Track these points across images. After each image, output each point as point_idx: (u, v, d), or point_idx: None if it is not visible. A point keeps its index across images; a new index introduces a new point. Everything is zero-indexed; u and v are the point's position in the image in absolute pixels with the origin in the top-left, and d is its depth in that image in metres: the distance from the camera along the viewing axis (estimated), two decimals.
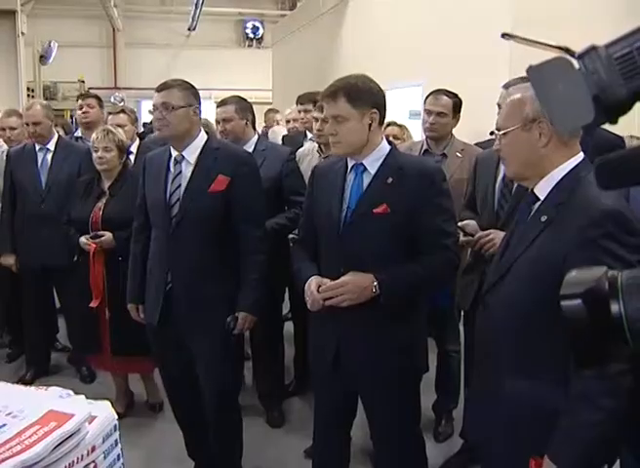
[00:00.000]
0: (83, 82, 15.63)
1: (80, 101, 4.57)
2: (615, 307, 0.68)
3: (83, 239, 3.31)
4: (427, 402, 3.36)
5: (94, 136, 3.36)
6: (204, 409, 2.73)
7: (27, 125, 4.03)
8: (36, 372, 4.11)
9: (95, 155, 3.32)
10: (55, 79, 15.35)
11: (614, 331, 0.68)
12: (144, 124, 9.04)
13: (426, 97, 3.39)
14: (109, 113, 4.38)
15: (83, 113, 4.51)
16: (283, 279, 3.37)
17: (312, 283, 2.18)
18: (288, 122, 5.26)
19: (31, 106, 4.16)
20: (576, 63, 0.65)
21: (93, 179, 3.45)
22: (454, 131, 3.41)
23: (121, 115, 4.26)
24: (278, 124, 7.01)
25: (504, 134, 1.72)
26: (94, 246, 3.26)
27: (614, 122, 0.66)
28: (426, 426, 3.29)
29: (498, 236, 2.54)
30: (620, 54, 0.64)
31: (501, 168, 2.72)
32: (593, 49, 0.65)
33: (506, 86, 2.78)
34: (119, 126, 4.03)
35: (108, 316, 3.31)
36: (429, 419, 3.41)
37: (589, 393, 1.43)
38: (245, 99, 3.54)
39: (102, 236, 3.24)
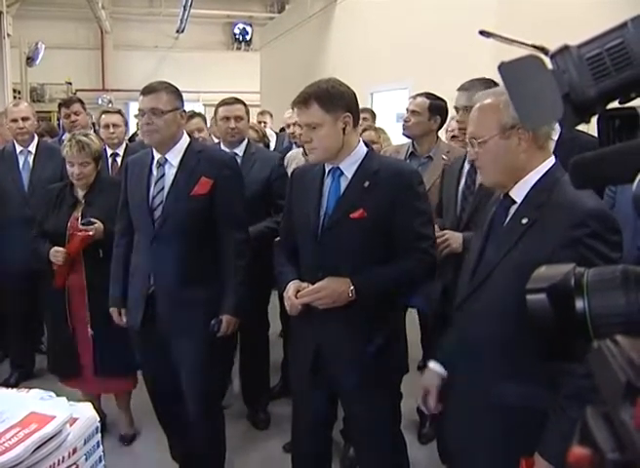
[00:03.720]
0: (70, 84, 15.54)
1: (65, 110, 4.48)
2: (579, 303, 0.69)
3: (55, 249, 3.10)
4: (412, 404, 3.35)
5: (67, 149, 3.08)
6: (187, 412, 2.71)
7: (15, 121, 3.97)
8: (20, 375, 4.09)
9: (70, 169, 3.09)
10: (42, 81, 15.25)
11: (577, 328, 0.69)
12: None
13: None
14: (104, 112, 4.31)
15: (71, 122, 4.46)
16: (270, 282, 3.37)
17: (291, 288, 2.19)
18: (288, 126, 5.02)
19: (18, 104, 4.18)
20: (549, 62, 0.67)
21: (64, 187, 3.24)
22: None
23: (117, 115, 4.20)
24: (266, 125, 6.92)
25: (482, 142, 1.67)
26: (64, 256, 3.08)
27: (587, 121, 0.67)
28: (411, 428, 3.30)
29: (452, 237, 2.57)
30: (591, 54, 0.65)
31: (464, 171, 2.74)
32: (566, 48, 0.67)
33: (462, 88, 2.78)
34: (114, 125, 4.03)
35: (91, 334, 3.12)
36: (414, 421, 3.41)
37: (579, 391, 1.42)
38: None
39: (95, 223, 3.01)
